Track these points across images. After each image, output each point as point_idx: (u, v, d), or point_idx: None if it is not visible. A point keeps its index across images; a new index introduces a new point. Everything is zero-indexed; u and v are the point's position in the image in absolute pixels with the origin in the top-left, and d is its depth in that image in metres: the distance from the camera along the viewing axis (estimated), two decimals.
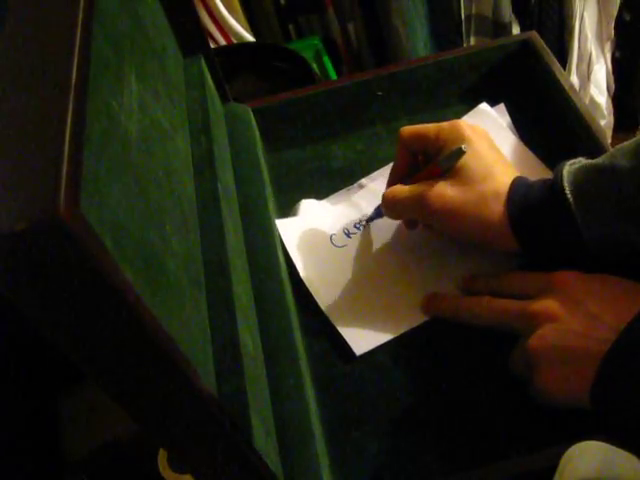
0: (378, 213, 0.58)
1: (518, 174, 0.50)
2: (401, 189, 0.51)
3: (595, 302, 0.43)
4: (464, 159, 0.48)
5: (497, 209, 0.48)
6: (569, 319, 0.43)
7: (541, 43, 0.66)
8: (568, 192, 0.45)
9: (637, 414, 0.38)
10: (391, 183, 0.55)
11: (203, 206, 0.46)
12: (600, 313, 0.42)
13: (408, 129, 0.53)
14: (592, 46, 1.28)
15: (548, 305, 0.44)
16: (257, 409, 0.39)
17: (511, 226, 0.48)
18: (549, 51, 0.65)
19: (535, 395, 0.44)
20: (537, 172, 0.59)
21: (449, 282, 0.54)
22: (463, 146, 0.48)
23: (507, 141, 0.62)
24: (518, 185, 0.48)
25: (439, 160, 0.49)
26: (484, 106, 0.65)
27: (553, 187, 0.47)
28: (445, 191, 0.49)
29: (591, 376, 0.39)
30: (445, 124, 0.51)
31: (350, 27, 1.27)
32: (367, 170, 0.63)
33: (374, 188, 0.62)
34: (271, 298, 0.51)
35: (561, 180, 0.46)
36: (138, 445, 0.58)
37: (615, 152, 0.46)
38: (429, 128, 0.51)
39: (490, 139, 0.51)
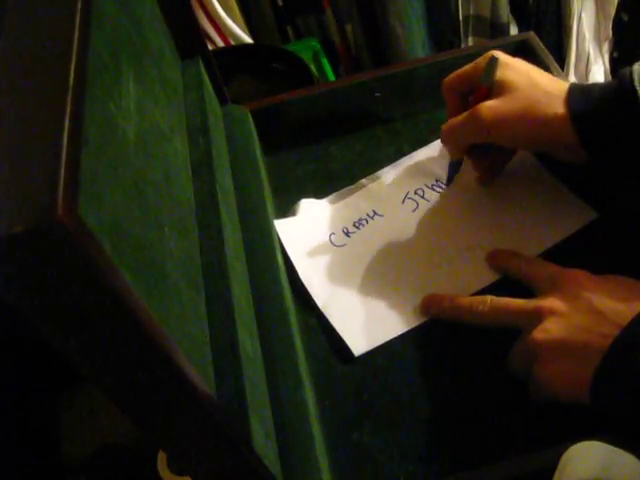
0: (454, 168, 0.59)
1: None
2: (455, 118, 0.54)
3: (600, 299, 0.43)
4: (505, 75, 0.52)
5: (555, 106, 0.49)
6: (573, 314, 0.43)
7: (539, 43, 0.66)
8: (639, 88, 0.46)
9: (636, 410, 0.38)
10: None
11: (201, 208, 0.46)
12: (604, 309, 0.42)
13: (449, 78, 0.56)
14: (590, 46, 1.28)
15: (553, 301, 0.44)
16: (256, 410, 0.39)
17: (572, 119, 0.48)
18: (547, 51, 0.65)
19: (534, 390, 0.44)
20: (536, 173, 0.59)
21: (449, 282, 0.54)
22: (493, 53, 0.51)
23: None
24: (575, 85, 0.50)
25: (480, 79, 0.53)
26: None
27: (622, 83, 0.47)
28: (494, 103, 0.51)
29: (592, 370, 0.39)
30: (479, 58, 0.54)
31: (348, 28, 1.27)
32: (366, 171, 0.63)
33: (374, 188, 0.62)
34: (270, 299, 0.51)
35: (631, 76, 0.47)
36: (137, 447, 0.58)
37: None
38: (466, 66, 0.55)
39: (525, 62, 0.54)
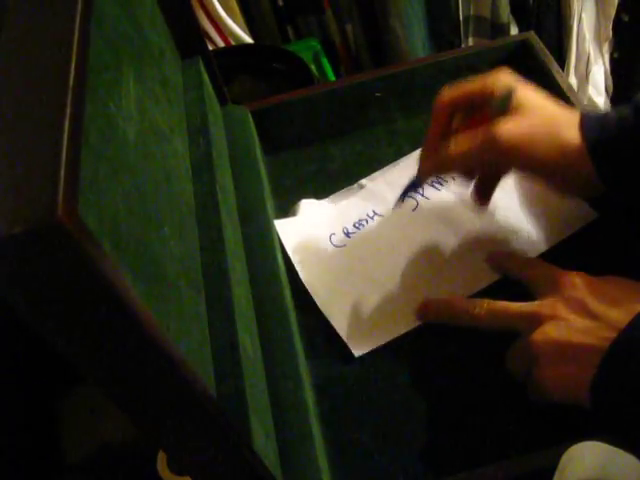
0: (413, 186, 0.55)
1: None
2: (464, 136, 0.49)
3: (598, 301, 0.43)
4: (520, 98, 0.48)
5: (571, 134, 0.47)
6: (572, 317, 0.43)
7: (539, 44, 0.66)
8: None
9: (635, 412, 0.38)
10: (428, 151, 0.52)
11: (202, 208, 0.46)
12: (603, 312, 0.42)
13: (448, 94, 0.51)
14: (590, 47, 1.28)
15: (552, 304, 0.44)
16: (256, 410, 0.39)
17: (588, 149, 0.47)
18: (547, 52, 0.65)
19: (533, 391, 0.44)
20: None
21: (449, 282, 0.54)
22: (508, 82, 0.48)
23: None
24: (588, 113, 0.48)
25: (492, 104, 0.49)
26: None
27: (638, 111, 0.46)
28: (512, 124, 0.47)
29: (591, 372, 0.39)
30: (486, 76, 0.50)
31: (348, 28, 1.27)
32: (366, 171, 0.63)
33: (374, 188, 0.62)
34: (270, 299, 0.51)
35: None
36: (137, 447, 0.58)
37: None
38: (470, 85, 0.50)
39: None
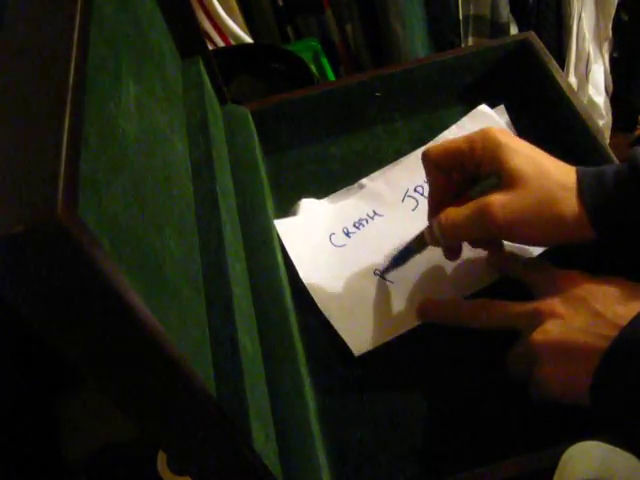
0: (402, 258, 0.54)
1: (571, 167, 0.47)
2: (456, 211, 0.48)
3: (599, 300, 0.43)
4: (512, 162, 0.46)
5: (569, 202, 0.45)
6: (572, 316, 0.43)
7: (539, 43, 0.66)
8: None
9: (635, 411, 0.38)
10: (433, 210, 0.51)
11: (201, 208, 0.46)
12: (603, 311, 0.42)
13: (434, 150, 0.49)
14: (590, 46, 1.28)
15: (552, 303, 0.44)
16: (256, 410, 0.39)
17: (588, 216, 0.45)
18: (547, 51, 0.65)
19: (534, 391, 0.44)
20: None
21: (448, 282, 0.54)
22: (494, 177, 0.46)
23: None
24: (584, 174, 0.46)
25: (472, 192, 0.48)
26: (483, 107, 0.65)
27: (635, 170, 0.44)
28: (506, 199, 0.45)
29: (591, 371, 0.39)
30: (474, 135, 0.48)
31: (348, 28, 1.27)
32: (366, 171, 0.63)
33: (374, 188, 0.62)
34: (270, 299, 0.51)
35: None
36: (137, 447, 0.58)
37: None
38: (458, 143, 0.48)
39: (521, 139, 0.49)
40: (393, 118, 0.68)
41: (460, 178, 0.50)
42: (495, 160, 0.46)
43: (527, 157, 0.46)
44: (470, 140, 0.48)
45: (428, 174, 0.50)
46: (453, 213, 0.48)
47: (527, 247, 0.54)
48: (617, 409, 0.39)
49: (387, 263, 0.55)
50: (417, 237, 0.53)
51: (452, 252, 0.53)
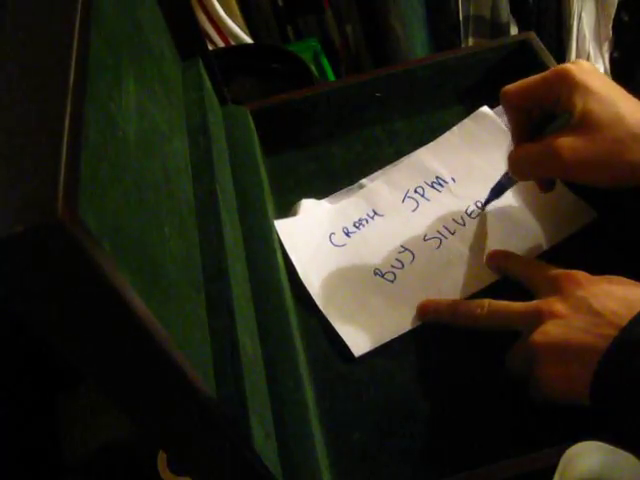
0: (496, 193, 0.56)
1: None
2: (529, 147, 0.49)
3: (598, 300, 0.43)
4: (588, 105, 0.46)
5: (638, 149, 0.45)
6: (572, 316, 0.43)
7: (539, 43, 0.66)
8: None
9: (635, 411, 0.38)
10: (517, 145, 0.52)
11: (202, 208, 0.46)
12: (603, 311, 0.42)
13: (512, 89, 0.49)
14: (590, 46, 1.28)
15: (552, 303, 0.44)
16: (256, 411, 0.39)
17: None
18: (547, 51, 0.65)
19: (534, 391, 0.44)
20: None
21: (448, 282, 0.54)
22: (569, 115, 0.46)
23: (507, 143, 0.62)
24: None
25: (547, 130, 0.48)
26: (485, 109, 0.65)
27: None
28: (576, 143, 0.46)
29: (591, 371, 0.39)
30: (550, 73, 0.48)
31: (348, 28, 1.26)
32: (366, 171, 0.63)
33: (374, 188, 0.62)
34: (270, 300, 0.51)
35: None
36: (137, 447, 0.58)
37: None
38: (535, 81, 0.49)
39: (602, 75, 0.49)
40: (393, 118, 0.68)
41: (539, 115, 0.51)
42: (570, 100, 0.47)
43: (602, 99, 0.46)
44: (547, 78, 0.48)
45: (507, 112, 0.51)
46: (523, 151, 0.49)
47: (527, 247, 0.54)
48: (617, 409, 0.39)
49: (487, 196, 0.57)
50: (507, 173, 0.54)
51: (542, 185, 0.54)
